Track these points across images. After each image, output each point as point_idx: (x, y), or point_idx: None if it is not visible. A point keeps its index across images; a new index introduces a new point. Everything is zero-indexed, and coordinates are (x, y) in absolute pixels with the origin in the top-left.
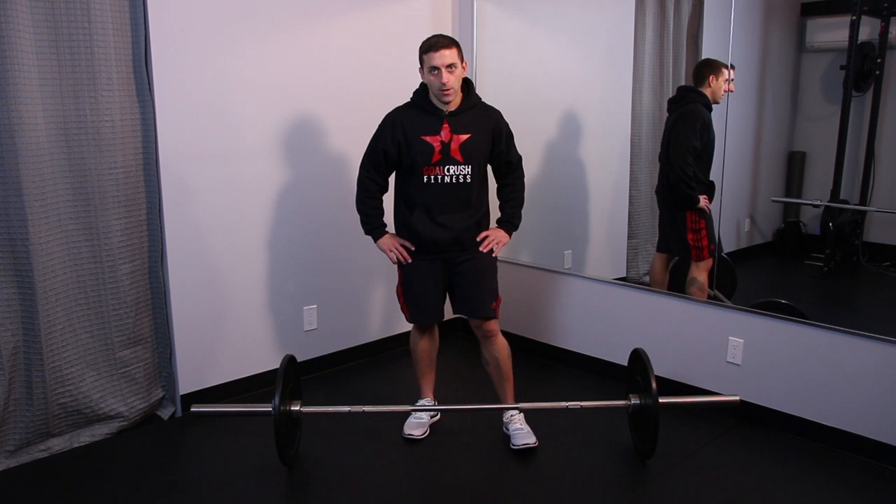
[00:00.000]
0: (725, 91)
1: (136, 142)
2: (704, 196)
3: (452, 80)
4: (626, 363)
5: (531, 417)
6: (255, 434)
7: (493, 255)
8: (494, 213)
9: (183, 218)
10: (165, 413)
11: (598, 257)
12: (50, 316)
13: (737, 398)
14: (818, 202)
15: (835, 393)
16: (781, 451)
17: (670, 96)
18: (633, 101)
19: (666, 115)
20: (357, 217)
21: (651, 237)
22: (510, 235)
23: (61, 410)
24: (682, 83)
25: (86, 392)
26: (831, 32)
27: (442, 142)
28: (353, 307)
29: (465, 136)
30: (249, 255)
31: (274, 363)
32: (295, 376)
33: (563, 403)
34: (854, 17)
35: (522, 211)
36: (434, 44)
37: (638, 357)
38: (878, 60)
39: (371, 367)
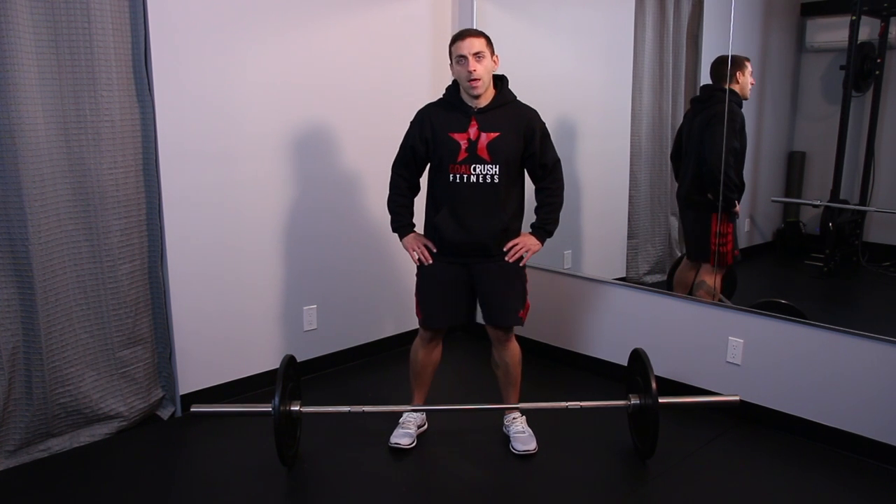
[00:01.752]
0: (751, 85)
1: (135, 142)
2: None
3: (480, 70)
4: (626, 363)
5: (531, 417)
6: (254, 434)
7: (522, 264)
8: (530, 218)
9: (183, 218)
10: (165, 413)
11: (598, 257)
12: (50, 316)
13: (737, 398)
14: (818, 202)
15: (835, 393)
16: (781, 451)
17: (694, 95)
18: (633, 101)
19: (683, 114)
20: (357, 217)
21: (651, 237)
22: (542, 243)
23: (61, 410)
24: (682, 83)
25: (86, 392)
26: (831, 32)
27: (469, 139)
28: (353, 307)
29: (494, 135)
30: (249, 255)
31: (274, 363)
32: (295, 376)
33: (563, 403)
34: (854, 17)
35: (560, 215)
36: (461, 34)
37: (638, 357)
38: (878, 60)
39: (371, 367)
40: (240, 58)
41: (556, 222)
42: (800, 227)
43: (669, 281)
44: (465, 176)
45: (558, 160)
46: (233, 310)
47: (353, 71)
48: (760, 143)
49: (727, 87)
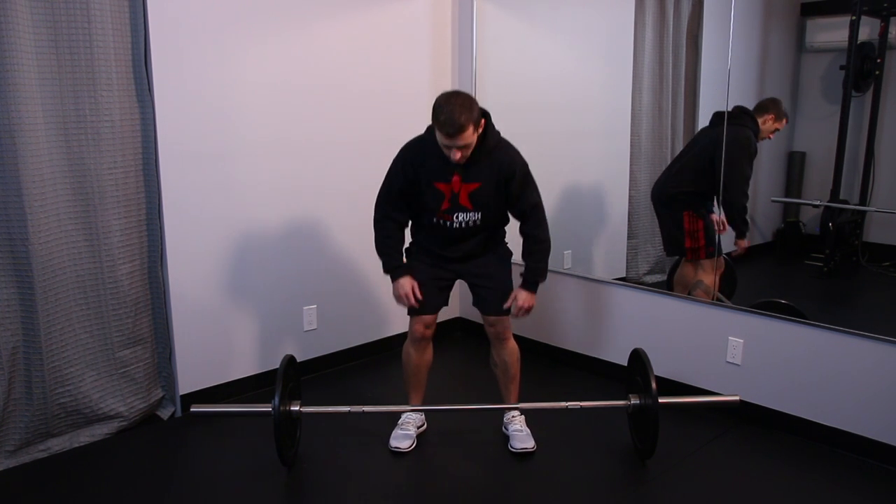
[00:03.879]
0: (769, 136)
1: (135, 142)
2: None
3: (467, 153)
4: (626, 363)
5: (531, 417)
6: (254, 434)
7: (523, 315)
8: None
9: (183, 218)
10: (165, 413)
11: (598, 257)
12: (50, 316)
13: (737, 398)
14: (818, 202)
15: (834, 393)
16: (781, 451)
17: (721, 110)
18: (633, 101)
19: (697, 127)
20: (358, 218)
21: (651, 237)
22: (535, 293)
23: (61, 410)
24: (682, 83)
25: (85, 392)
26: (831, 32)
27: (452, 191)
28: (353, 307)
29: (474, 186)
30: (249, 255)
31: (274, 363)
32: (295, 376)
33: (563, 403)
34: (854, 17)
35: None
36: (448, 125)
37: (638, 357)
38: (878, 60)
39: (371, 367)
40: (240, 58)
41: (544, 272)
42: (800, 227)
43: (669, 281)
44: (448, 222)
45: (537, 204)
46: (233, 310)
47: (354, 71)
48: (760, 143)
49: (758, 118)
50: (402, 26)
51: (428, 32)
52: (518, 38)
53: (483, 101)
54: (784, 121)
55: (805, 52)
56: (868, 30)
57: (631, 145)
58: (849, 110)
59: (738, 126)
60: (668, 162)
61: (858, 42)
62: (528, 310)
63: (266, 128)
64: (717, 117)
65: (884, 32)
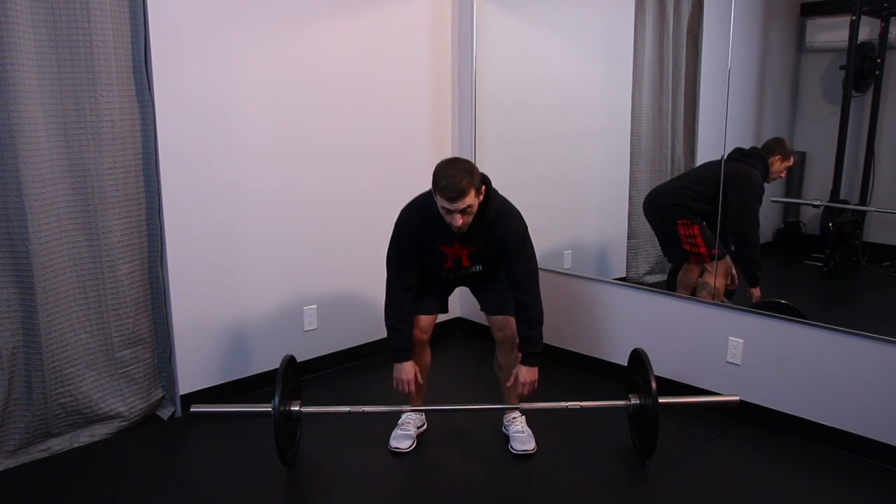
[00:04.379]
0: (782, 175)
1: (135, 142)
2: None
3: (468, 220)
4: (626, 363)
5: (531, 417)
6: (254, 434)
7: (529, 391)
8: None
9: (183, 218)
10: (165, 413)
11: (598, 257)
12: (50, 316)
13: (737, 398)
14: (818, 202)
15: (835, 393)
16: (781, 451)
17: (742, 147)
18: (633, 101)
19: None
20: (358, 218)
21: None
22: (536, 366)
23: (61, 410)
24: (682, 83)
25: (86, 392)
26: (831, 32)
27: (455, 253)
28: (353, 307)
29: (474, 249)
30: (249, 255)
31: (274, 363)
32: (295, 376)
33: (563, 403)
34: (854, 17)
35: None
36: (450, 188)
37: (638, 357)
38: (878, 60)
39: (371, 366)
40: (240, 58)
41: (539, 342)
42: (800, 227)
43: (670, 281)
44: (452, 274)
45: (530, 271)
46: (233, 310)
47: (354, 71)
48: (761, 144)
49: (768, 159)
50: (402, 26)
51: (428, 32)
52: (518, 38)
53: (483, 102)
54: (791, 159)
55: (805, 52)
56: (868, 30)
57: (631, 145)
58: (849, 110)
59: (749, 167)
60: (669, 162)
61: (858, 42)
62: (532, 385)
63: (266, 127)
64: (738, 153)
65: (884, 32)
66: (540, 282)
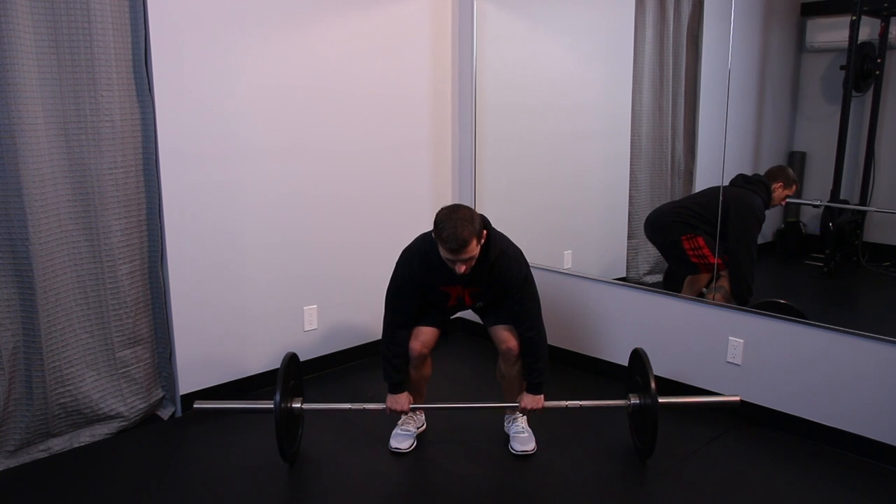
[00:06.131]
0: (782, 203)
1: (135, 142)
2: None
3: (472, 263)
4: (626, 363)
5: (531, 417)
6: (255, 434)
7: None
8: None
9: (183, 218)
10: (165, 413)
11: (598, 257)
12: (50, 316)
13: (737, 398)
14: (818, 202)
15: (835, 393)
16: (781, 451)
17: (744, 173)
18: (633, 101)
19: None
20: (358, 218)
21: None
22: (540, 394)
23: (61, 410)
24: (682, 83)
25: (86, 392)
26: (831, 32)
27: (458, 294)
28: (353, 307)
29: (475, 289)
30: (249, 255)
31: (274, 363)
32: (296, 374)
33: (563, 403)
34: (854, 17)
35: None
36: (451, 246)
37: (638, 357)
38: (878, 60)
39: (371, 366)
40: (240, 58)
41: (544, 373)
42: (800, 227)
43: (666, 281)
44: (455, 309)
45: (533, 308)
46: (233, 310)
47: (354, 71)
48: (761, 144)
49: (770, 185)
50: (402, 26)
51: (428, 33)
52: (518, 39)
53: (483, 102)
54: (794, 187)
55: (805, 52)
56: (868, 30)
57: (631, 145)
58: (849, 110)
59: (752, 192)
60: (669, 162)
61: (858, 42)
62: (538, 410)
63: (266, 128)
64: (741, 179)
65: (884, 32)
66: (540, 281)
